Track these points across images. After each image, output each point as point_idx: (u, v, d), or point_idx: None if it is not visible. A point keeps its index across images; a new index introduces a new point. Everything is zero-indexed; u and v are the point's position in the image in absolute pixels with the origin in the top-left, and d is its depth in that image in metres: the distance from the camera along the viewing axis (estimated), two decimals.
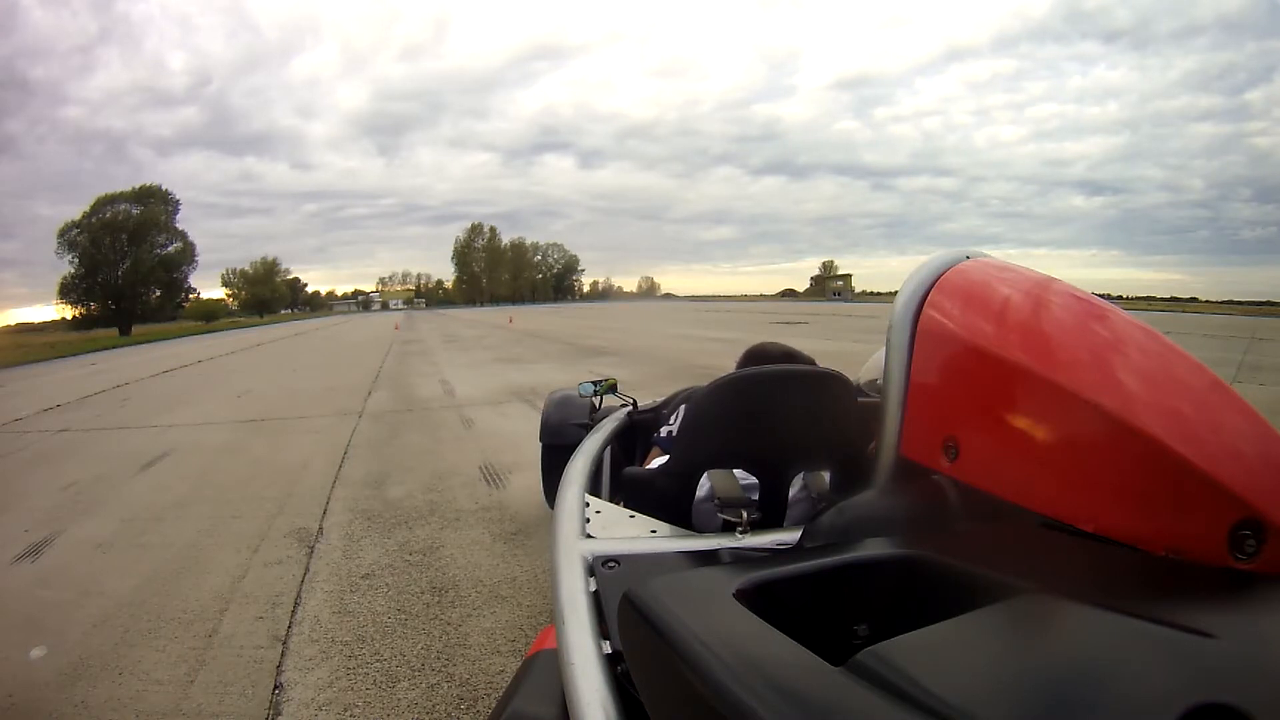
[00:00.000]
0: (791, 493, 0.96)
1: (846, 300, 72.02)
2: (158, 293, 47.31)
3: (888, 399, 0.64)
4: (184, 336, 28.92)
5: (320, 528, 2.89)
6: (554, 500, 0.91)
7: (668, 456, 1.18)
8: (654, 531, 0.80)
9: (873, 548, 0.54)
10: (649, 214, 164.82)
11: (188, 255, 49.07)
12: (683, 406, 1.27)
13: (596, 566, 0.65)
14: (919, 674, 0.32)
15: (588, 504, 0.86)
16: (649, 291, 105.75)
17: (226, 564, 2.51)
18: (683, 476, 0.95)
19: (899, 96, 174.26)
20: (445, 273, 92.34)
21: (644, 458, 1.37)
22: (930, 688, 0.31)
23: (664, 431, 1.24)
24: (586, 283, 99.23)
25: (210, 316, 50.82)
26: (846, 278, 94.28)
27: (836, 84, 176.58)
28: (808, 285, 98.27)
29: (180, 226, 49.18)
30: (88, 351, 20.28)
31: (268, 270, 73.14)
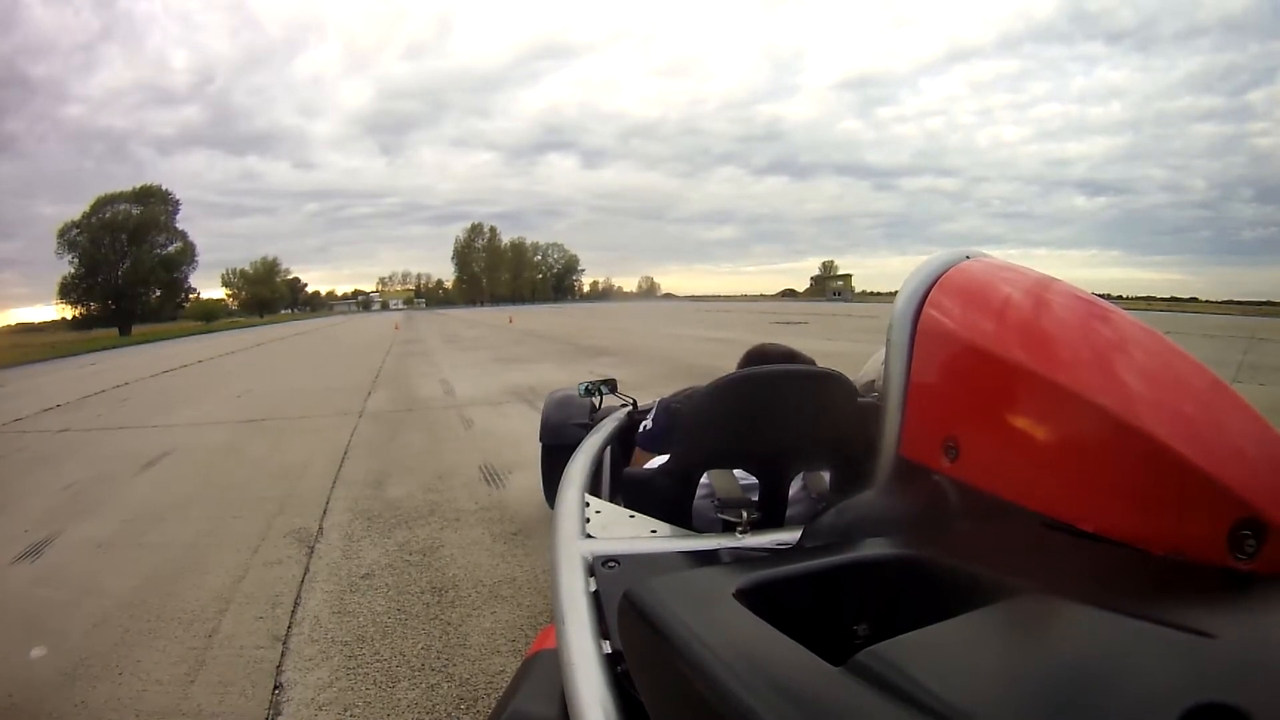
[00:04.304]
0: (791, 493, 0.96)
1: (846, 300, 72.07)
2: (158, 293, 47.34)
3: (888, 399, 0.64)
4: (184, 336, 28.91)
5: (320, 528, 2.89)
6: (554, 500, 0.91)
7: (656, 455, 1.19)
8: (654, 531, 0.80)
9: (873, 548, 0.54)
10: (651, 214, 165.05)
11: (188, 255, 49.17)
12: (657, 401, 1.28)
13: (596, 566, 0.65)
14: (919, 674, 0.32)
15: (588, 504, 0.86)
16: (649, 291, 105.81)
17: (227, 564, 2.51)
18: (683, 476, 0.95)
19: (902, 96, 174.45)
20: (446, 273, 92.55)
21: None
22: (930, 688, 0.31)
23: (640, 428, 1.25)
24: (586, 283, 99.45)
25: (210, 316, 50.76)
26: (846, 278, 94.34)
27: (840, 84, 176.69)
28: (808, 285, 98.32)
29: (181, 226, 49.39)
30: (87, 351, 20.27)
31: (268, 270, 73.17)
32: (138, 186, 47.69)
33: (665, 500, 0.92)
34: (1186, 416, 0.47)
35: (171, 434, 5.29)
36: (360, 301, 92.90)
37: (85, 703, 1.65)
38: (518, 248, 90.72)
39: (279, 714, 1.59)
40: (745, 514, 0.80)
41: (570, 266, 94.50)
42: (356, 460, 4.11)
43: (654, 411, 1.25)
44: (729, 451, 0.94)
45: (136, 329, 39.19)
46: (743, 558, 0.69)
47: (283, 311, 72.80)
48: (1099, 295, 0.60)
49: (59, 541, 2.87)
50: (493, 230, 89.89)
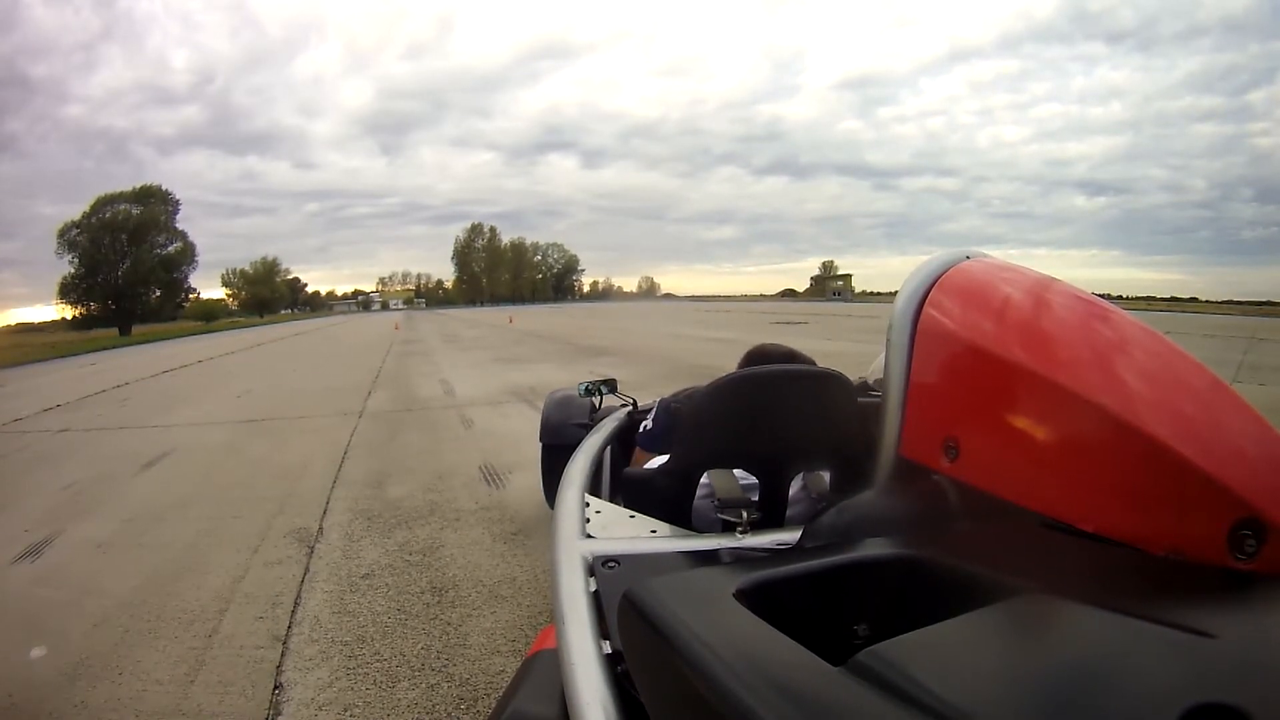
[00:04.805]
0: (791, 493, 0.96)
1: (846, 300, 72.07)
2: (158, 293, 47.31)
3: (888, 399, 0.64)
4: (184, 337, 28.90)
5: (320, 528, 2.89)
6: (554, 500, 0.91)
7: (656, 455, 1.19)
8: (654, 531, 0.80)
9: (873, 548, 0.54)
10: (651, 214, 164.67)
11: (188, 255, 49.13)
12: (658, 401, 1.28)
13: (596, 566, 0.65)
14: (919, 674, 0.32)
15: (588, 504, 0.86)
16: (649, 291, 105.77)
17: (227, 564, 2.51)
18: (683, 476, 0.95)
19: (903, 97, 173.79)
20: (446, 273, 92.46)
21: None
22: (930, 688, 0.31)
23: (640, 428, 1.25)
24: (586, 283, 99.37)
25: (210, 316, 50.75)
26: (846, 278, 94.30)
27: (841, 84, 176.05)
28: (808, 285, 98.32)
29: (181, 226, 49.31)
30: (87, 351, 20.27)
31: (268, 270, 73.11)
32: (138, 187, 47.68)
33: (665, 500, 0.92)
34: (1186, 416, 0.47)
35: (171, 434, 5.29)
36: (360, 301, 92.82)
37: (85, 703, 1.65)
38: (518, 248, 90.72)
39: (279, 714, 1.59)
40: (745, 514, 0.80)
41: (570, 266, 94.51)
42: (356, 460, 4.11)
43: (654, 411, 1.25)
44: (729, 451, 0.94)
45: (136, 329, 39.16)
46: (743, 558, 0.69)
47: (283, 311, 72.70)
48: (1099, 295, 0.60)
49: (59, 541, 2.87)
50: (493, 230, 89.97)
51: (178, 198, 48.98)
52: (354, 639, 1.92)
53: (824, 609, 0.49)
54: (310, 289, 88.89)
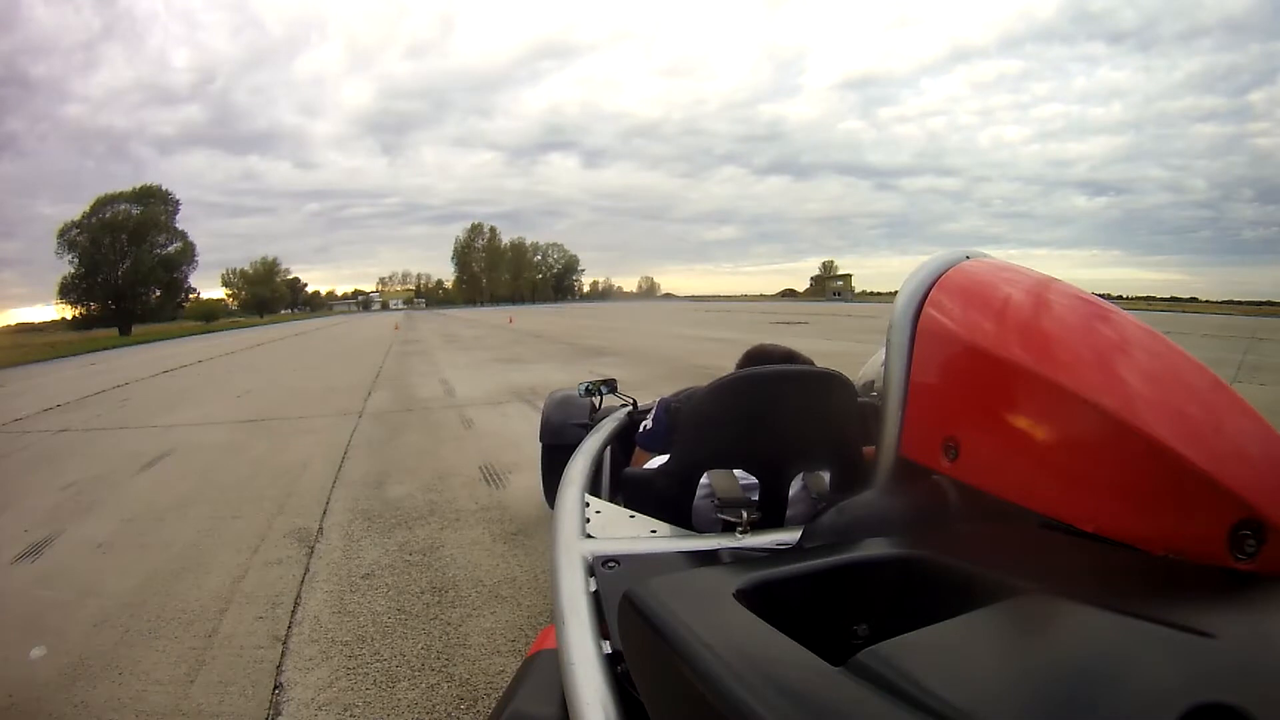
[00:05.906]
0: (791, 493, 0.96)
1: (846, 300, 72.05)
2: (158, 293, 47.24)
3: (888, 399, 0.64)
4: (184, 337, 28.89)
5: (320, 528, 2.89)
6: (554, 500, 0.91)
7: (656, 455, 1.19)
8: (654, 531, 0.80)
9: (873, 548, 0.54)
10: (652, 214, 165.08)
11: (188, 255, 49.07)
12: (658, 401, 1.28)
13: (596, 566, 0.65)
14: (919, 674, 0.32)
15: (588, 504, 0.86)
16: (649, 291, 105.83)
17: (227, 564, 2.51)
18: (683, 476, 0.95)
19: (904, 97, 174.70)
20: (446, 273, 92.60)
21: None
22: (930, 688, 0.31)
23: (641, 428, 1.25)
24: (586, 283, 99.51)
25: (210, 316, 50.80)
26: (846, 278, 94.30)
27: (842, 84, 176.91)
28: (808, 285, 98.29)
29: (181, 226, 49.26)
30: (87, 351, 20.26)
31: (268, 270, 73.18)
32: (138, 186, 47.61)
33: (665, 500, 0.92)
34: (1187, 417, 0.47)
35: (171, 434, 5.29)
36: (360, 301, 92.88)
37: (85, 703, 1.65)
38: (518, 248, 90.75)
39: (279, 714, 1.59)
40: (745, 514, 0.79)
41: (570, 266, 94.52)
42: (356, 460, 4.11)
43: (654, 411, 1.25)
44: (729, 451, 0.94)
45: (136, 329, 39.12)
46: (743, 558, 0.69)
47: (282, 311, 72.77)
48: (1099, 295, 0.60)
49: (59, 541, 2.87)
50: (493, 230, 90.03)
51: (178, 198, 49.02)
52: (354, 639, 1.92)
53: (824, 609, 0.49)
54: (310, 289, 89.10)
